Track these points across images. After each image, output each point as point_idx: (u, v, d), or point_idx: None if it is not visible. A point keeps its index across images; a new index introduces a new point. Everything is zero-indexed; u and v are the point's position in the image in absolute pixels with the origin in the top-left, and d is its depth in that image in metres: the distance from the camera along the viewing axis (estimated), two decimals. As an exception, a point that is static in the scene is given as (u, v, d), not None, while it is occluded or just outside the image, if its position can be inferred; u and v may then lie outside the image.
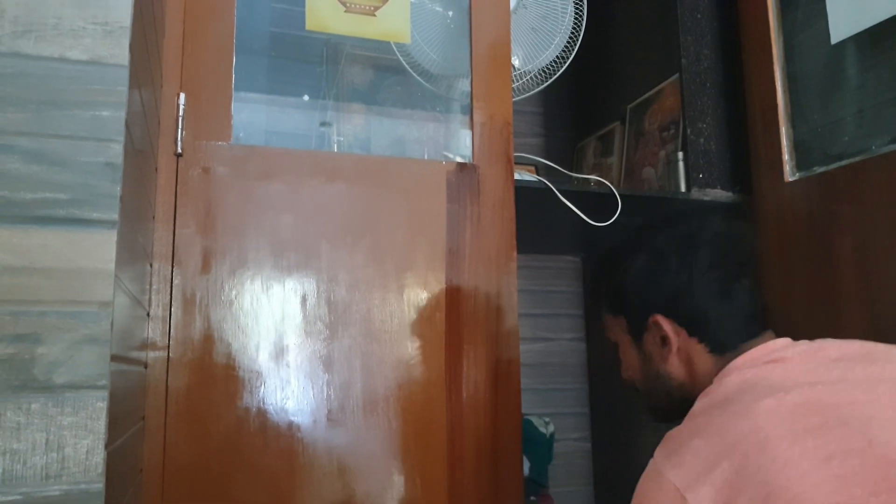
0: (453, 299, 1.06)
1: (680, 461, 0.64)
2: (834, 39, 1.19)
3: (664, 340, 0.79)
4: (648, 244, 0.82)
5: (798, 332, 0.78)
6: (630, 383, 0.87)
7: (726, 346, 0.76)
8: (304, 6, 1.09)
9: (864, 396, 0.64)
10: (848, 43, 1.18)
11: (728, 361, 0.74)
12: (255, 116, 1.30)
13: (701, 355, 0.78)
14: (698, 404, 0.72)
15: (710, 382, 0.74)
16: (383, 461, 0.98)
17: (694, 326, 0.78)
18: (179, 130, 0.96)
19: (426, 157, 1.14)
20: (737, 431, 0.63)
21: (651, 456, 0.69)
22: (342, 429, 0.97)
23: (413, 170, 1.08)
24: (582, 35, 1.32)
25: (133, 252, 0.71)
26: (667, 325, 0.78)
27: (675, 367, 0.79)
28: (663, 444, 0.69)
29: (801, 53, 1.27)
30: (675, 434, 0.69)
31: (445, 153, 1.26)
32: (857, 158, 1.15)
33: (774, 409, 0.64)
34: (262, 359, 0.95)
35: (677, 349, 0.78)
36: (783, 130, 1.29)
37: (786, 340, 0.75)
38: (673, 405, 0.81)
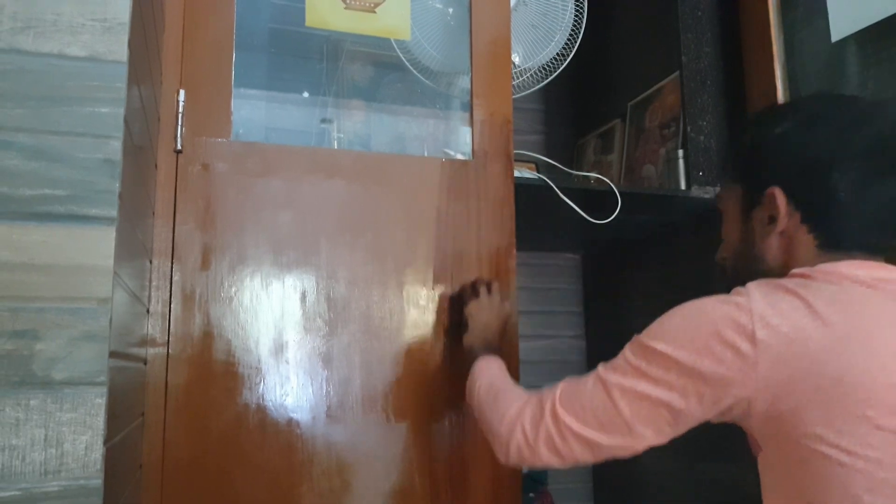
0: (453, 296, 1.06)
1: (774, 301, 0.61)
2: (834, 37, 1.19)
3: (772, 219, 0.70)
4: (805, 110, 0.72)
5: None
6: (722, 266, 0.79)
7: (840, 244, 0.67)
8: (304, 2, 1.09)
9: None
10: (848, 41, 1.17)
11: (834, 260, 0.66)
12: (254, 113, 1.30)
13: (806, 246, 0.68)
14: (792, 280, 0.66)
15: None
16: (382, 457, 0.98)
17: (812, 212, 0.68)
18: (179, 127, 0.96)
19: (426, 154, 1.14)
20: (831, 310, 0.59)
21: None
22: (341, 425, 0.97)
23: (413, 167, 1.08)
24: (582, 32, 1.32)
25: (132, 248, 0.71)
26: (781, 201, 0.69)
27: (772, 250, 0.71)
28: (759, 283, 0.64)
29: (801, 51, 1.27)
30: (772, 283, 0.64)
31: (445, 150, 1.26)
32: (858, 156, 1.15)
33: (881, 303, 0.60)
34: (262, 355, 0.95)
35: (782, 231, 0.69)
36: (783, 128, 1.28)
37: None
38: None
